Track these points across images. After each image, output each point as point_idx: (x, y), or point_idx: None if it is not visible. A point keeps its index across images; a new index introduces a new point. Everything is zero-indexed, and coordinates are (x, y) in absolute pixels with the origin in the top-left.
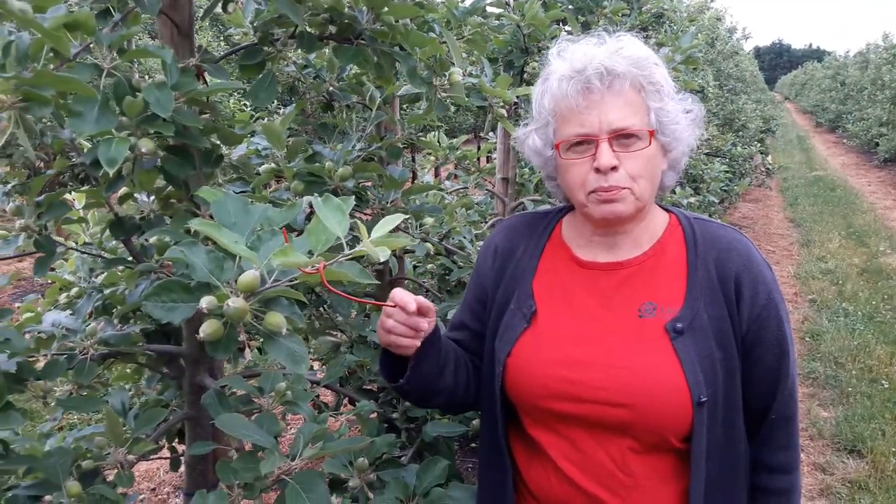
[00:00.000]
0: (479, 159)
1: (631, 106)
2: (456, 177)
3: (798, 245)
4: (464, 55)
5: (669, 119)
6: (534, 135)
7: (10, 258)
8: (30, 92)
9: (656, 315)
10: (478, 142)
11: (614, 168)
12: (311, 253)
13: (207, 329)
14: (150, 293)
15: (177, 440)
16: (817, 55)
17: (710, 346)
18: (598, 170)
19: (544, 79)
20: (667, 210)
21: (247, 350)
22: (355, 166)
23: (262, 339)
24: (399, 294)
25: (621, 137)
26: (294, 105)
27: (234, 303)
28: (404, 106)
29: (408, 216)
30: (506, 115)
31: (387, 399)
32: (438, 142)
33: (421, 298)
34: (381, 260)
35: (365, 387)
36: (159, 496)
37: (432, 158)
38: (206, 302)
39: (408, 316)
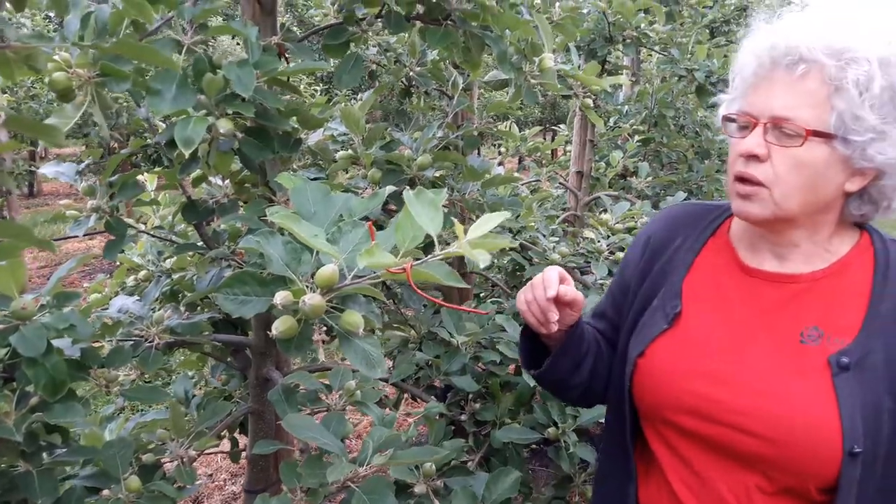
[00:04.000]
0: (552, 152)
1: (805, 96)
2: (527, 169)
3: None
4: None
5: (860, 129)
6: (725, 105)
7: (71, 238)
8: (108, 66)
9: (821, 343)
10: (545, 134)
11: (757, 158)
12: (396, 249)
13: (281, 326)
14: (222, 284)
15: (238, 430)
16: None
17: (880, 391)
18: (739, 154)
19: (742, 47)
20: (862, 228)
21: (320, 350)
22: (435, 155)
23: (336, 338)
24: (549, 273)
25: (778, 127)
26: (373, 90)
27: (311, 300)
28: (481, 94)
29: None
30: (592, 104)
31: (454, 400)
32: (511, 133)
33: (570, 289)
34: (482, 266)
35: (431, 384)
36: (216, 482)
37: (500, 151)
38: (280, 298)
39: (545, 299)
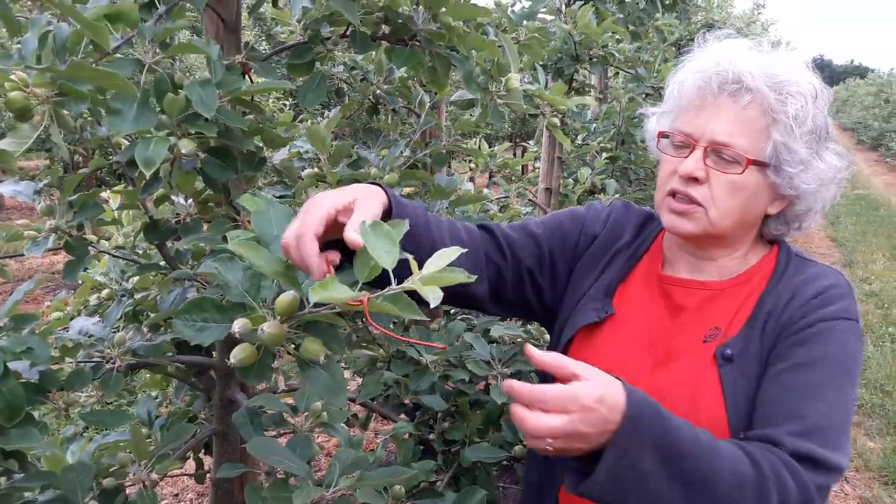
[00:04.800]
0: (522, 168)
1: (745, 125)
2: (497, 185)
3: (840, 265)
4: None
5: (791, 161)
6: (656, 118)
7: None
8: (66, 86)
9: (717, 340)
10: (514, 149)
11: (696, 180)
12: (355, 283)
13: (239, 354)
14: (181, 310)
15: (203, 451)
16: (860, 72)
17: (756, 379)
18: (678, 174)
19: (682, 65)
20: (775, 242)
21: (280, 378)
22: (402, 173)
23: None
24: (305, 243)
25: (718, 152)
26: (339, 108)
27: (270, 328)
28: (450, 111)
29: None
30: (558, 123)
31: (423, 419)
32: (479, 149)
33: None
34: (433, 304)
35: (401, 402)
36: (182, 502)
37: (471, 166)
38: (238, 326)
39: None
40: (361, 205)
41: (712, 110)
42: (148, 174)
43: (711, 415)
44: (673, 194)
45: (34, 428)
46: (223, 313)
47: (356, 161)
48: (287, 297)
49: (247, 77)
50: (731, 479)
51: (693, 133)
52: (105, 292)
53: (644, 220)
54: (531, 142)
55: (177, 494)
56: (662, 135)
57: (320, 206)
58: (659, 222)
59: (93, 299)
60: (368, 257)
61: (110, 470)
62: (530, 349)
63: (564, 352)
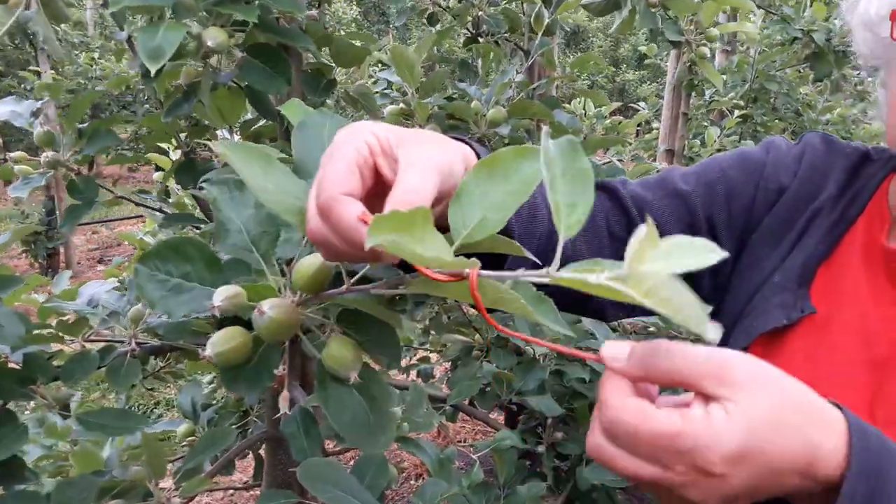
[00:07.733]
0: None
1: None
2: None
3: None
4: None
5: None
6: None
7: (129, 218)
8: None
9: None
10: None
11: None
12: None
13: (221, 345)
14: (148, 253)
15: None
16: None
17: None
18: None
19: None
20: None
21: (284, 397)
22: (512, 107)
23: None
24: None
25: None
26: (434, 33)
27: (274, 309)
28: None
29: None
30: (708, 55)
31: (529, 426)
32: (585, 109)
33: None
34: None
35: (501, 404)
36: (253, 493)
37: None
38: (221, 297)
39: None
40: (408, 143)
41: None
42: (153, 70)
43: None
44: None
45: None
46: (215, 271)
47: (452, 96)
48: (312, 262)
49: None
50: None
51: None
52: None
53: (857, 163)
54: (641, 103)
55: (246, 481)
56: None
57: (344, 145)
58: (882, 164)
59: None
60: (467, 207)
61: (121, 486)
62: (604, 352)
63: None
